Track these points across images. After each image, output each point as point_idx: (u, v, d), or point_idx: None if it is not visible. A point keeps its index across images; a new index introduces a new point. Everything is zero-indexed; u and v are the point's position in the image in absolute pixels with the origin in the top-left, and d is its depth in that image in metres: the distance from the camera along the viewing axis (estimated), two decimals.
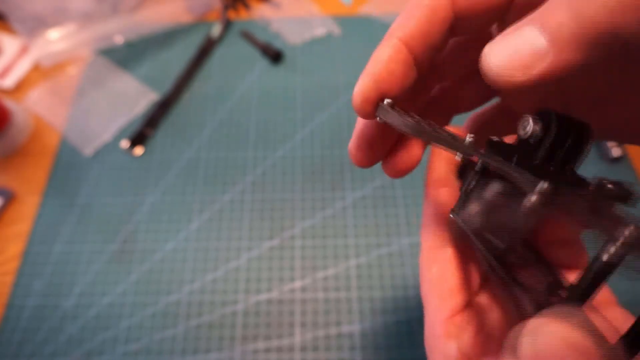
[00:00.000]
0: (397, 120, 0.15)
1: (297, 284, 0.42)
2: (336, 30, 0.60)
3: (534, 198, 0.12)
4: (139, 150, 0.50)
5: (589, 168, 0.47)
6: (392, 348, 0.38)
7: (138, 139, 0.51)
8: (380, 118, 0.16)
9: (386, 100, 0.16)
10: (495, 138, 0.16)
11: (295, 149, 0.50)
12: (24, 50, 0.58)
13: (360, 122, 0.18)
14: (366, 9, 0.61)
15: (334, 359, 0.38)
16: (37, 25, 0.56)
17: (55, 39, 0.56)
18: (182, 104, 0.54)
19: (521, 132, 0.15)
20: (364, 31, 0.59)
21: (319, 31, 0.59)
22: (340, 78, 0.55)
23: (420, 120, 0.15)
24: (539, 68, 0.13)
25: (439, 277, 0.17)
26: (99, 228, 0.45)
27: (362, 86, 0.16)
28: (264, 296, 0.41)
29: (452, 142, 0.14)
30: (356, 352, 0.38)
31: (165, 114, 0.53)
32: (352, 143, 0.18)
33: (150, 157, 0.50)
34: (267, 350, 0.39)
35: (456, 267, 0.18)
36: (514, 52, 0.13)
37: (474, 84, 0.20)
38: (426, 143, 0.17)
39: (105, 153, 0.50)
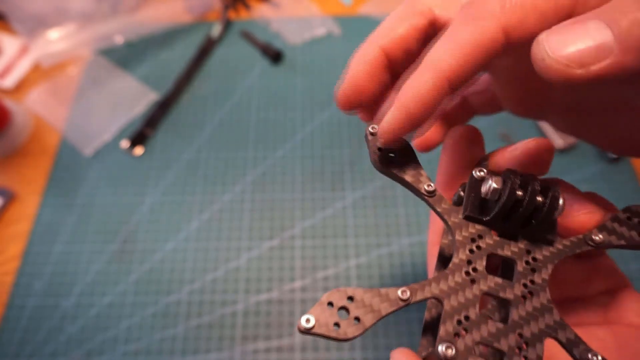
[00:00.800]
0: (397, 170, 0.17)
1: (297, 284, 0.42)
2: (336, 30, 0.60)
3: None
4: (139, 150, 0.50)
5: (589, 168, 0.47)
6: (392, 347, 0.38)
7: (138, 139, 0.51)
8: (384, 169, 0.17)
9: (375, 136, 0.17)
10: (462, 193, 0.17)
11: (295, 149, 0.50)
12: (24, 51, 0.58)
13: (353, 69, 0.18)
14: (366, 9, 0.61)
15: (334, 359, 0.38)
16: (37, 25, 0.56)
17: (55, 39, 0.56)
18: (182, 104, 0.54)
19: (482, 190, 0.16)
20: (364, 31, 0.59)
21: (319, 31, 0.59)
22: (340, 78, 0.55)
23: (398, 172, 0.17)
24: (600, 65, 0.12)
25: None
26: (99, 228, 0.45)
27: (345, 87, 0.18)
28: (264, 296, 0.41)
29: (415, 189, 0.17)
30: (356, 352, 0.38)
31: (165, 114, 0.53)
32: (342, 86, 0.19)
33: (150, 157, 0.50)
34: (267, 350, 0.39)
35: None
36: (575, 45, 0.12)
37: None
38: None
39: (105, 153, 0.50)
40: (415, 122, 0.15)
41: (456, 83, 0.15)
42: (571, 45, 0.12)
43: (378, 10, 0.61)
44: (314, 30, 0.59)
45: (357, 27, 0.60)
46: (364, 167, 0.48)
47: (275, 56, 0.56)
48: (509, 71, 0.17)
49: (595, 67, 0.12)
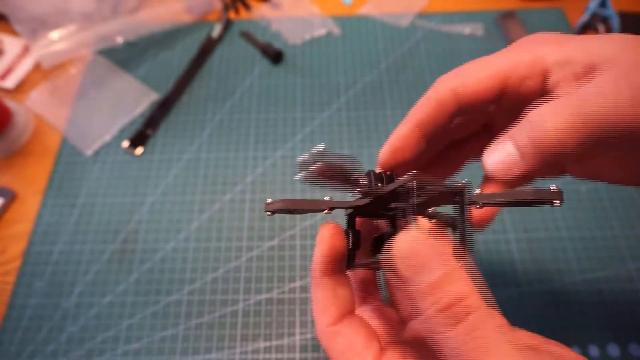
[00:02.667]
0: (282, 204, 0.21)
1: (297, 284, 0.42)
2: (336, 30, 0.60)
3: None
4: (139, 150, 0.50)
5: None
6: None
7: (138, 139, 0.51)
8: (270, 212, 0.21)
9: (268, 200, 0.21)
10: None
11: (295, 149, 0.50)
12: (25, 51, 0.58)
13: (395, 135, 0.24)
14: (366, 9, 0.61)
15: None
16: (38, 26, 0.56)
17: (56, 40, 0.57)
18: (182, 104, 0.54)
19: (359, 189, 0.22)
20: (364, 31, 0.59)
21: (319, 31, 0.59)
22: (340, 78, 0.55)
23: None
24: (516, 172, 0.20)
25: (347, 345, 0.21)
26: (99, 228, 0.46)
27: (383, 153, 0.24)
28: (264, 296, 0.42)
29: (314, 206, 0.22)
30: None
31: (165, 114, 0.53)
32: (384, 150, 0.25)
33: (150, 157, 0.50)
34: (267, 350, 0.39)
35: (358, 332, 0.22)
36: (499, 160, 0.20)
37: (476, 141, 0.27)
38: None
39: (106, 153, 0.50)
40: (398, 153, 0.24)
41: (425, 128, 0.23)
42: (498, 160, 0.20)
43: (378, 10, 0.61)
44: (314, 30, 0.59)
45: (357, 27, 0.60)
46: (364, 167, 0.48)
47: (275, 56, 0.56)
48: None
49: (514, 174, 0.20)
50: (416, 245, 0.17)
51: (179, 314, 0.41)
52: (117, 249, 0.44)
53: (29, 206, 0.47)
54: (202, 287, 0.42)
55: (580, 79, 0.20)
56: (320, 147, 0.18)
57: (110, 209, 0.47)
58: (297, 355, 0.39)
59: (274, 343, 0.39)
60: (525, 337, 0.20)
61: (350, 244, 0.23)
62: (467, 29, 0.58)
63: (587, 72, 0.19)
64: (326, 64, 0.57)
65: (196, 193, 0.47)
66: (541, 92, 0.21)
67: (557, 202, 0.18)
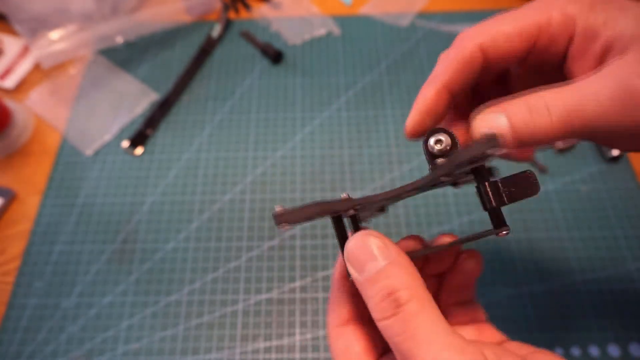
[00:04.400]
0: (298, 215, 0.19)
1: (297, 284, 0.42)
2: (336, 30, 0.60)
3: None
4: (139, 150, 0.50)
5: (589, 168, 0.47)
6: None
7: (138, 139, 0.51)
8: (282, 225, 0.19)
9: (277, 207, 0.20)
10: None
11: (295, 149, 0.50)
12: (25, 51, 0.58)
13: (422, 100, 0.23)
14: (366, 9, 0.61)
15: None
16: (38, 26, 0.56)
17: (56, 40, 0.57)
18: (182, 104, 0.54)
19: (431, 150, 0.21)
20: (364, 31, 0.59)
21: (319, 31, 0.59)
22: (340, 78, 0.55)
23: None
24: (500, 144, 0.19)
25: (345, 348, 0.21)
26: (99, 228, 0.46)
27: (412, 120, 0.23)
28: (264, 296, 0.42)
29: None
30: None
31: (165, 114, 0.53)
32: (412, 116, 0.23)
33: (150, 157, 0.50)
34: (267, 350, 0.39)
35: (359, 338, 0.22)
36: (489, 127, 0.19)
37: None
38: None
39: (106, 153, 0.50)
40: (427, 119, 0.22)
41: (453, 89, 0.22)
42: (488, 127, 0.19)
43: (378, 10, 0.61)
44: (314, 30, 0.59)
45: (357, 27, 0.60)
46: (364, 167, 0.48)
47: (275, 56, 0.56)
48: None
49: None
50: (360, 240, 0.19)
51: (179, 314, 0.41)
52: (117, 249, 0.44)
53: (29, 206, 0.47)
54: (202, 287, 0.42)
55: (595, 58, 0.19)
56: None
57: (110, 209, 0.47)
58: (297, 355, 0.38)
59: (274, 343, 0.39)
60: (516, 347, 0.20)
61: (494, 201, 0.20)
62: (466, 29, 0.58)
63: (604, 52, 0.19)
64: (326, 64, 0.57)
65: (196, 193, 0.47)
66: (565, 56, 0.21)
67: (494, 150, 0.17)
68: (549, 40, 0.20)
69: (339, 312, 0.22)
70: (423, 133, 0.23)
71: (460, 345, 0.16)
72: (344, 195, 0.21)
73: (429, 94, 0.22)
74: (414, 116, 0.23)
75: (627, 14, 0.18)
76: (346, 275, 0.22)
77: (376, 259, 0.18)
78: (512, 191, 0.19)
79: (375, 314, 0.18)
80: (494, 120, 0.19)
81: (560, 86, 0.18)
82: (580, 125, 0.18)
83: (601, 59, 0.19)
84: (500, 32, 0.21)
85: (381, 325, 0.17)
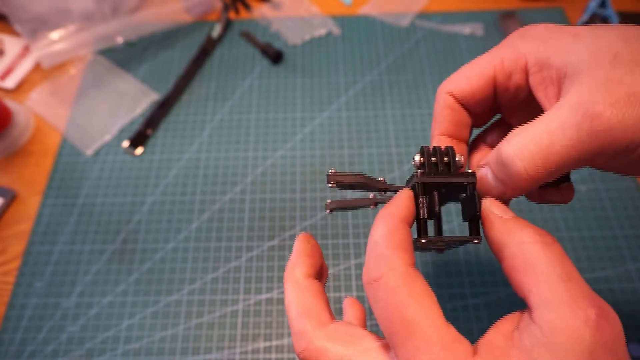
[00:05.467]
0: (345, 177, 0.22)
1: None
2: (336, 30, 0.60)
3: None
4: (139, 150, 0.50)
5: (589, 168, 0.47)
6: None
7: (138, 139, 0.51)
8: (332, 184, 0.22)
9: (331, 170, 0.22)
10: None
11: (295, 149, 0.50)
12: (25, 51, 0.58)
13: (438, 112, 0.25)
14: (366, 9, 0.61)
15: None
16: (38, 26, 0.56)
17: (56, 40, 0.57)
18: (182, 104, 0.54)
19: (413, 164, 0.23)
20: (364, 31, 0.59)
21: (319, 31, 0.59)
22: (340, 78, 0.55)
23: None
24: (494, 193, 0.21)
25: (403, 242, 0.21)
26: (99, 228, 0.46)
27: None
28: (264, 296, 0.42)
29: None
30: None
31: (165, 114, 0.53)
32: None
33: (150, 157, 0.50)
34: (267, 350, 0.39)
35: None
36: (480, 178, 0.22)
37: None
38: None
39: (106, 153, 0.50)
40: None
41: (453, 132, 0.25)
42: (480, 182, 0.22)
43: (378, 10, 0.61)
44: (314, 30, 0.59)
45: (357, 27, 0.60)
46: (364, 167, 0.48)
47: (275, 56, 0.56)
48: None
49: (487, 193, 0.22)
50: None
51: (179, 314, 0.41)
52: (117, 249, 0.44)
53: (29, 206, 0.47)
54: (202, 287, 0.42)
55: (554, 85, 0.21)
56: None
57: (110, 209, 0.47)
58: None
59: (274, 343, 0.39)
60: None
61: (426, 213, 0.21)
62: (467, 29, 0.58)
63: (560, 79, 0.20)
64: (326, 64, 0.57)
65: (196, 193, 0.47)
66: (527, 87, 0.23)
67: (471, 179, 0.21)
68: (506, 77, 0.23)
69: (410, 252, 0.20)
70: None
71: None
72: (381, 179, 0.23)
73: (435, 142, 0.25)
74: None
75: (578, 40, 0.20)
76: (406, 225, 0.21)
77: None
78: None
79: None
80: (481, 171, 0.21)
81: (529, 127, 0.19)
82: (556, 161, 0.18)
83: (559, 85, 0.20)
84: (462, 77, 0.24)
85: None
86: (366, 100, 0.53)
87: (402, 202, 0.21)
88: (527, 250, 0.18)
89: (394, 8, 0.61)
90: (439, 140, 0.25)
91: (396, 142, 0.50)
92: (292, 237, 0.44)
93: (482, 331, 0.18)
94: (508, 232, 0.19)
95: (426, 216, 0.21)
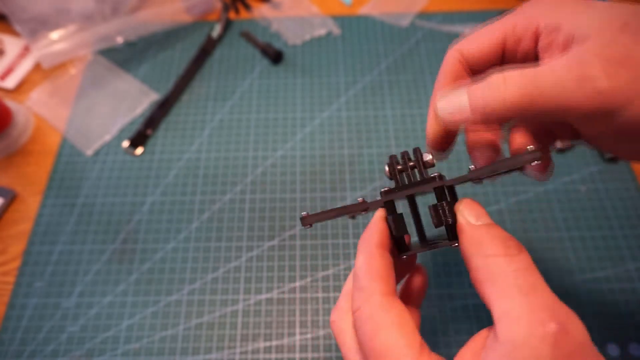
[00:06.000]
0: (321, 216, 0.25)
1: (297, 284, 0.42)
2: (336, 30, 0.60)
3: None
4: (139, 150, 0.50)
5: (588, 169, 0.47)
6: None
7: (138, 139, 0.51)
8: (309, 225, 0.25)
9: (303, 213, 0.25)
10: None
11: (295, 149, 0.50)
12: (25, 51, 0.58)
13: (432, 125, 0.25)
14: (366, 9, 0.61)
15: (333, 359, 0.38)
16: (38, 26, 0.56)
17: (56, 40, 0.57)
18: (182, 104, 0.54)
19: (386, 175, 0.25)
20: (364, 31, 0.59)
21: (319, 31, 0.59)
22: (340, 78, 0.55)
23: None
24: (458, 120, 0.22)
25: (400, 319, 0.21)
26: (99, 228, 0.46)
27: (430, 144, 0.26)
28: (264, 296, 0.42)
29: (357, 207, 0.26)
30: None
31: (165, 114, 0.53)
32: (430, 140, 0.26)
33: (150, 157, 0.50)
34: (267, 350, 0.39)
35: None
36: (450, 104, 0.22)
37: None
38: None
39: (106, 153, 0.50)
40: (440, 141, 0.26)
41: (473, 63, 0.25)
42: (450, 104, 0.22)
43: (378, 10, 0.61)
44: (314, 30, 0.59)
45: (357, 27, 0.60)
46: (364, 167, 0.48)
47: (275, 56, 0.56)
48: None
49: (455, 120, 0.22)
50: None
51: (179, 314, 0.41)
52: (117, 249, 0.44)
53: (29, 206, 0.47)
54: (202, 287, 0.42)
55: (563, 49, 0.21)
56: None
57: (110, 209, 0.47)
58: (297, 355, 0.39)
59: (274, 343, 0.39)
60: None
61: (394, 230, 0.23)
62: (467, 29, 0.58)
63: (567, 43, 0.21)
64: (326, 64, 0.57)
65: (196, 193, 0.47)
66: (535, 53, 0.23)
67: (535, 162, 0.19)
68: (516, 41, 0.23)
69: (388, 280, 0.21)
70: (445, 141, 0.25)
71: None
72: (359, 199, 0.26)
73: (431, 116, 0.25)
74: (429, 141, 0.26)
75: (591, 8, 0.21)
76: (384, 246, 0.23)
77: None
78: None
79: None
80: (456, 97, 0.22)
81: (527, 66, 0.20)
82: (538, 96, 0.19)
83: (565, 49, 0.21)
84: (473, 38, 0.25)
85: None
86: (366, 100, 0.53)
87: (374, 226, 0.23)
88: (490, 263, 0.18)
89: (394, 8, 0.61)
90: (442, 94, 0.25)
91: (396, 142, 0.50)
92: (292, 237, 0.44)
93: None
94: (475, 243, 0.19)
95: (397, 234, 0.22)
